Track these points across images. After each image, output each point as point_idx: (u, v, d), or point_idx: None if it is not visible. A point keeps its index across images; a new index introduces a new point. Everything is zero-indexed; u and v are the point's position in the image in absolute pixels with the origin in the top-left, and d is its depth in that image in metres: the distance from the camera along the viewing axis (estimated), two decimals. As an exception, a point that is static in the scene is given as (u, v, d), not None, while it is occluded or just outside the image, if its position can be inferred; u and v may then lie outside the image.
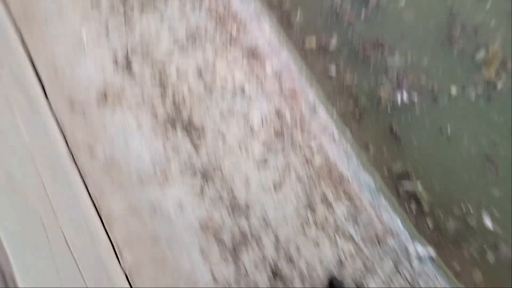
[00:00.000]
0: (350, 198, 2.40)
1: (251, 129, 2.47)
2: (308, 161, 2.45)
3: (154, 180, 2.11)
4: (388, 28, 2.91)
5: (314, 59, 2.92)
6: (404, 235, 2.39)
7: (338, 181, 2.44)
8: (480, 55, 2.79)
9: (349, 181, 2.46)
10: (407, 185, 2.59)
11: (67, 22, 2.46)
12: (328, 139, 2.58)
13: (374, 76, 2.82)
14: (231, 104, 2.51)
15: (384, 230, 2.36)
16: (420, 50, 2.84)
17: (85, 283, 1.23)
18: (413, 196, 2.57)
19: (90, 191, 1.97)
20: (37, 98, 2.02)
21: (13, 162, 1.10)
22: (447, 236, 2.47)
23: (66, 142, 2.06)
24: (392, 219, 2.42)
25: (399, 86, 2.77)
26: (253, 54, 2.75)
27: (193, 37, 2.67)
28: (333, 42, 2.89)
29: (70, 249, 1.29)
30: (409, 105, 2.72)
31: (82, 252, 1.40)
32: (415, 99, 2.74)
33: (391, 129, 2.67)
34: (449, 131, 2.66)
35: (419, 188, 2.58)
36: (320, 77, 2.86)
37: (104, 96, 2.28)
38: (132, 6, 2.63)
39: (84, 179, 1.99)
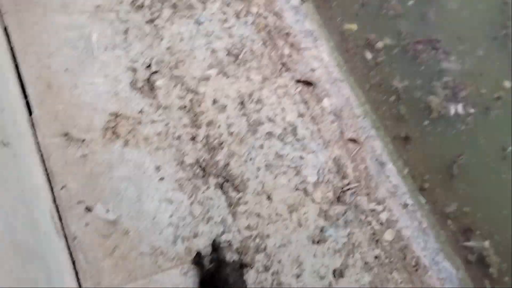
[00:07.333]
0: (429, 294, 1.78)
1: (305, 187, 1.84)
2: (376, 239, 1.83)
3: (174, 258, 1.47)
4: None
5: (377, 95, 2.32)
6: None
7: (413, 269, 1.82)
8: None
9: (426, 269, 1.85)
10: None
11: (73, 16, 1.82)
12: (399, 205, 1.97)
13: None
14: (280, 150, 1.89)
15: None
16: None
17: None
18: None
19: (79, 277, 1.33)
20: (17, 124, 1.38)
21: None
22: None
23: (53, 193, 1.42)
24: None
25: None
26: (307, 84, 2.14)
27: (235, 56, 2.05)
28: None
29: None
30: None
31: None
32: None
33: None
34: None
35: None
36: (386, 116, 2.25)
37: (114, 124, 1.65)
38: (161, 8, 2.00)
39: (73, 253, 1.35)
